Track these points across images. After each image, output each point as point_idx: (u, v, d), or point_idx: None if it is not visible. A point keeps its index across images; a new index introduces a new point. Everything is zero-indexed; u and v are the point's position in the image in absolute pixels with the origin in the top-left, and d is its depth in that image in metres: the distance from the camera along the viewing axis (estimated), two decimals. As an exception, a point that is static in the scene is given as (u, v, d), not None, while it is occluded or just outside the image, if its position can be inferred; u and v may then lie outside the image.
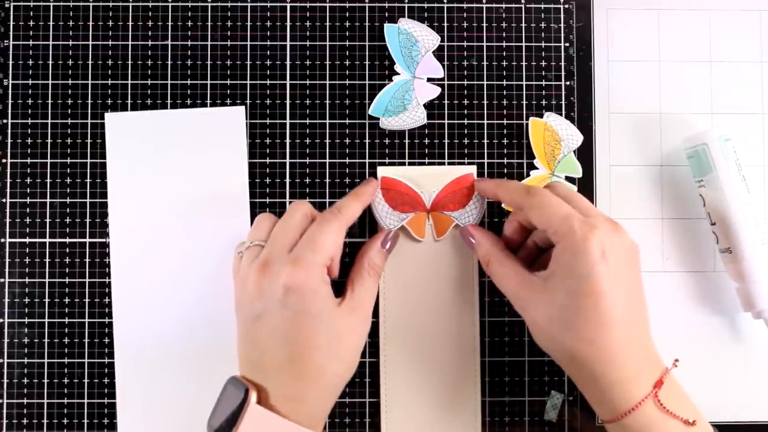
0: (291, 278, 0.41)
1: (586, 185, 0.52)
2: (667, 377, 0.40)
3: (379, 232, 0.49)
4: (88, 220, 0.51)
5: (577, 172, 0.51)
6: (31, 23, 0.51)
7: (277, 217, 0.46)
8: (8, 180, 0.51)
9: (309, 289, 0.41)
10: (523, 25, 0.52)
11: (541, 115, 0.51)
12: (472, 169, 0.51)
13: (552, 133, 0.50)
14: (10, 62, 0.51)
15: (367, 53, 0.52)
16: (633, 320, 0.40)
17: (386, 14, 0.52)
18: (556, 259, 0.41)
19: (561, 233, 0.40)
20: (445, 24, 0.52)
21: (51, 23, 0.52)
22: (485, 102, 0.52)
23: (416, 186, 0.50)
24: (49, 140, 0.51)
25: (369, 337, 0.45)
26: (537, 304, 0.42)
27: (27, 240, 0.51)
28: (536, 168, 0.51)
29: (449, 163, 0.52)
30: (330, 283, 0.43)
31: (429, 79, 0.51)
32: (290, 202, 0.51)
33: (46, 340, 0.51)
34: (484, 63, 0.52)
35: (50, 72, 0.51)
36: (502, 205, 0.50)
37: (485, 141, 0.52)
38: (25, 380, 0.50)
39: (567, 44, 0.53)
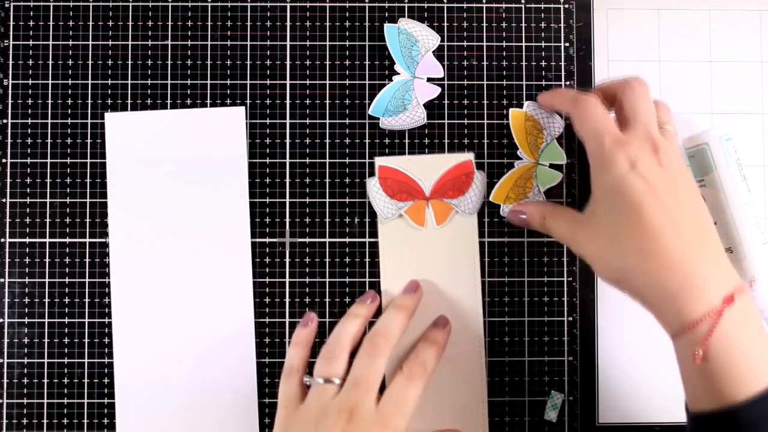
0: None
1: (586, 185, 0.52)
2: (742, 297, 0.37)
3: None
4: (88, 220, 0.51)
5: (562, 158, 0.51)
6: (31, 23, 0.51)
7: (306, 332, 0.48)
8: (8, 180, 0.51)
9: None
10: (523, 25, 0.52)
11: (521, 106, 0.51)
12: (470, 156, 0.51)
13: (533, 122, 0.50)
14: (10, 62, 0.51)
15: (367, 53, 0.52)
16: (688, 224, 0.38)
17: (386, 14, 0.52)
18: (593, 181, 0.42)
19: (591, 149, 0.41)
20: (445, 24, 0.52)
21: (51, 23, 0.52)
22: (485, 102, 0.52)
23: (414, 174, 0.51)
24: (49, 140, 0.51)
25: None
26: (589, 236, 0.42)
27: (27, 240, 0.51)
28: (520, 158, 0.51)
29: (449, 163, 0.52)
30: None
31: (429, 79, 0.51)
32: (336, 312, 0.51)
33: (46, 340, 0.51)
34: (484, 63, 0.52)
35: (50, 72, 0.51)
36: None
37: (485, 141, 0.52)
38: (25, 380, 0.50)
39: (567, 44, 0.53)
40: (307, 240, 0.51)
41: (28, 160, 0.51)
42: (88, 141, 0.51)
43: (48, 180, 0.51)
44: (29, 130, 0.51)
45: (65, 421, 0.50)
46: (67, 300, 0.51)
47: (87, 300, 0.51)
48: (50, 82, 0.51)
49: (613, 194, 0.40)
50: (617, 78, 0.46)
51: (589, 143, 0.42)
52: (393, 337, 0.45)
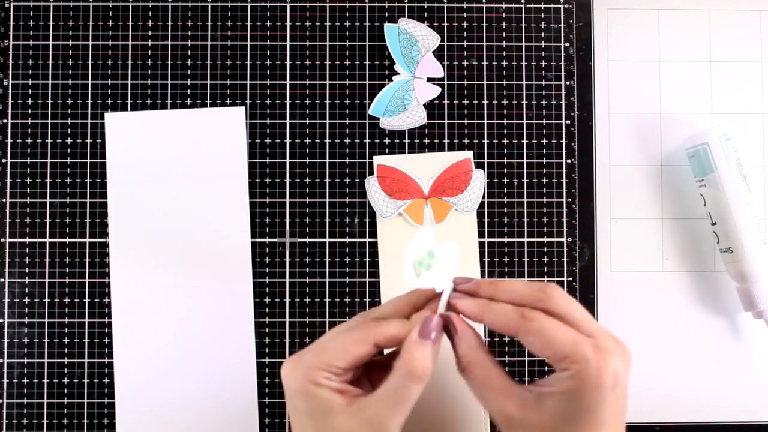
0: (286, 378, 0.39)
1: (586, 185, 0.52)
2: None
3: (422, 321, 0.39)
4: (88, 220, 0.51)
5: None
6: (31, 23, 0.51)
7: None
8: (8, 180, 0.51)
9: (299, 389, 0.38)
10: (523, 25, 0.52)
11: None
12: (469, 155, 0.51)
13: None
14: (10, 62, 0.51)
15: (367, 53, 0.52)
16: None
17: (386, 14, 0.52)
18: (559, 383, 0.37)
19: (570, 360, 0.36)
20: (445, 24, 0.52)
21: (51, 23, 0.52)
22: (485, 102, 0.52)
23: (413, 173, 0.51)
24: (49, 140, 0.51)
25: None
26: (526, 423, 0.37)
27: (27, 240, 0.51)
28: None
29: (449, 163, 0.52)
30: (334, 386, 0.38)
31: (429, 79, 0.51)
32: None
33: (46, 340, 0.50)
34: (484, 63, 0.52)
35: (50, 72, 0.51)
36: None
37: (485, 141, 0.52)
38: (25, 380, 0.50)
39: (567, 44, 0.53)
40: (307, 240, 0.51)
41: (28, 160, 0.51)
42: (88, 141, 0.51)
43: (48, 180, 0.51)
44: (29, 130, 0.51)
45: (65, 421, 0.50)
46: (67, 300, 0.51)
47: (87, 300, 0.51)
48: (50, 82, 0.51)
49: (587, 409, 0.36)
50: (518, 285, 0.39)
51: (564, 355, 0.36)
52: (381, 325, 0.40)
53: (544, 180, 0.52)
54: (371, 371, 0.41)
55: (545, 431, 0.37)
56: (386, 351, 0.41)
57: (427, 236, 0.40)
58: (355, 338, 0.38)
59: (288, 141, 0.52)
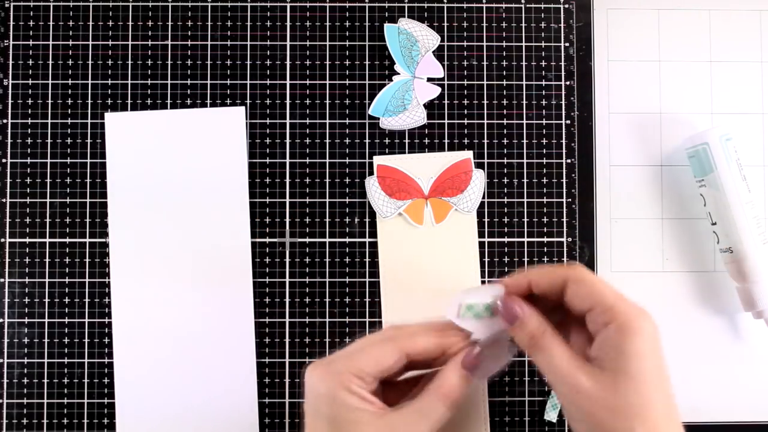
0: (314, 381, 0.39)
1: (586, 185, 0.52)
2: None
3: (464, 350, 0.40)
4: (88, 220, 0.51)
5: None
6: (31, 23, 0.51)
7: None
8: (8, 180, 0.51)
9: (327, 394, 0.38)
10: (523, 25, 0.52)
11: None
12: (469, 155, 0.51)
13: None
14: (10, 62, 0.51)
15: (367, 53, 0.52)
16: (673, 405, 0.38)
17: (386, 14, 0.52)
18: (607, 340, 0.37)
19: (614, 311, 0.37)
20: (445, 24, 0.52)
21: (51, 23, 0.52)
22: (485, 102, 0.52)
23: (413, 172, 0.51)
24: (49, 140, 0.51)
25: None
26: (594, 393, 0.37)
27: (27, 240, 0.51)
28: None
29: (449, 163, 0.52)
30: (364, 395, 0.38)
31: (429, 79, 0.51)
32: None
33: (46, 340, 0.51)
34: (484, 63, 0.52)
35: (50, 72, 0.51)
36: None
37: (485, 141, 0.52)
38: (25, 380, 0.50)
39: (567, 44, 0.53)
40: (307, 240, 0.51)
41: (28, 160, 0.51)
42: (88, 141, 0.51)
43: (48, 180, 0.51)
44: (29, 130, 0.51)
45: (65, 421, 0.50)
46: (67, 300, 0.51)
47: (87, 300, 0.51)
48: (50, 82, 0.51)
49: (638, 359, 0.36)
50: (540, 271, 0.40)
51: (609, 305, 0.38)
52: (410, 339, 0.40)
53: (544, 180, 0.52)
54: (385, 392, 0.41)
55: (608, 392, 0.36)
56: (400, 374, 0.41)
57: (493, 292, 0.41)
58: (388, 347, 0.39)
59: (288, 141, 0.52)
